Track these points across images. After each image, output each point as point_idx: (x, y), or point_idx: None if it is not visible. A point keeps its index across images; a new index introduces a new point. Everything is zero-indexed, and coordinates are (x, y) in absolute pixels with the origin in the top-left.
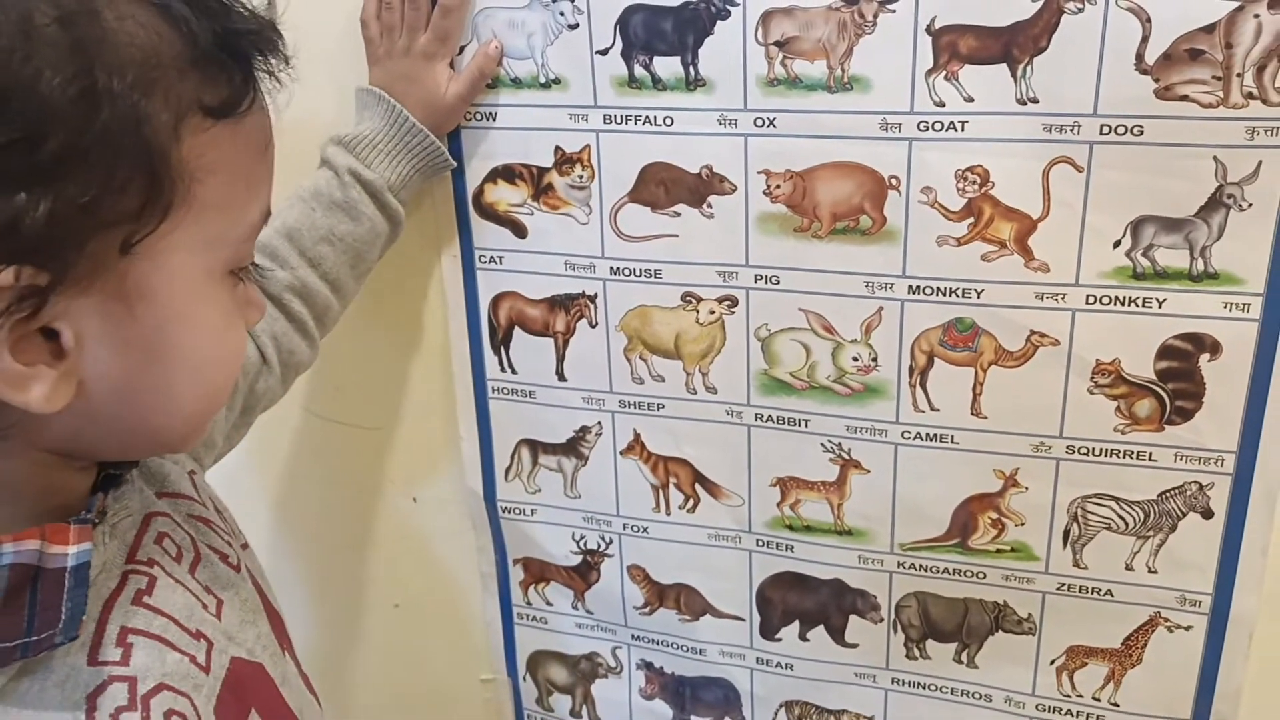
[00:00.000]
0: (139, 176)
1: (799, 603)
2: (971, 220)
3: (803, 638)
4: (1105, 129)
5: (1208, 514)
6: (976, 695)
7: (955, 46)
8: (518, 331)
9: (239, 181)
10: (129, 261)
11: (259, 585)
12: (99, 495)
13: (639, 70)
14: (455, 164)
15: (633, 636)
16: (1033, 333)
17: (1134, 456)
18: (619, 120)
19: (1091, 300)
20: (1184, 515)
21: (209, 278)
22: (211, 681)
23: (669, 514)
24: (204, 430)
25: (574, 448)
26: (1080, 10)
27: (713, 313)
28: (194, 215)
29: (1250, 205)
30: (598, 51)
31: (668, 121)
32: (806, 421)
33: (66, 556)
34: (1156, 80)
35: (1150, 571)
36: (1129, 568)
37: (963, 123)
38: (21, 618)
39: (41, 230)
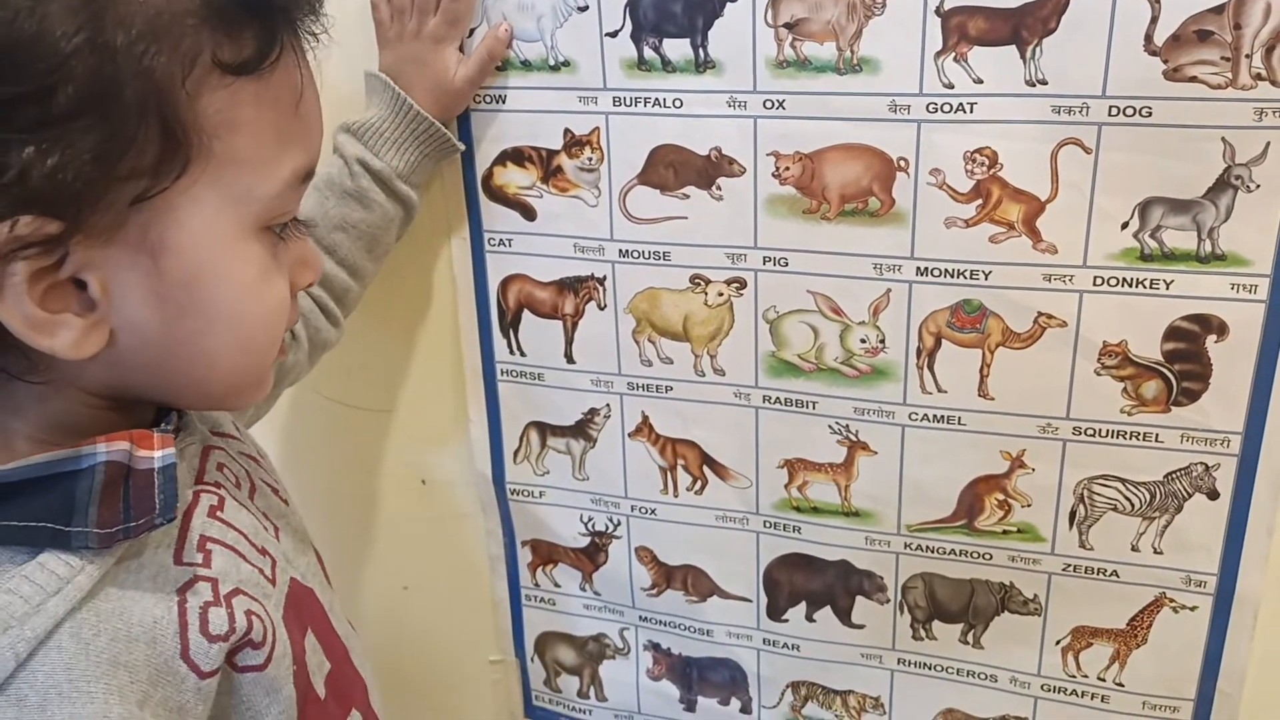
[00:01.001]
0: (152, 131)
1: (806, 584)
2: (980, 202)
3: (809, 619)
4: (1114, 110)
5: (1213, 495)
6: (982, 676)
7: (964, 28)
8: (526, 314)
9: (266, 137)
10: (149, 215)
11: (303, 523)
12: (173, 414)
13: (648, 52)
14: (463, 148)
15: (640, 618)
16: (1040, 314)
17: (1140, 438)
18: (628, 103)
19: (1099, 282)
20: (1190, 496)
21: (238, 233)
22: (277, 594)
23: (677, 496)
24: (258, 388)
25: (582, 430)
26: None
27: (721, 295)
28: (216, 170)
29: (1258, 186)
30: (607, 34)
31: (677, 104)
32: (814, 403)
33: (153, 459)
34: (1165, 61)
35: (1156, 552)
36: (1135, 548)
37: (971, 104)
38: (118, 509)
39: (48, 182)
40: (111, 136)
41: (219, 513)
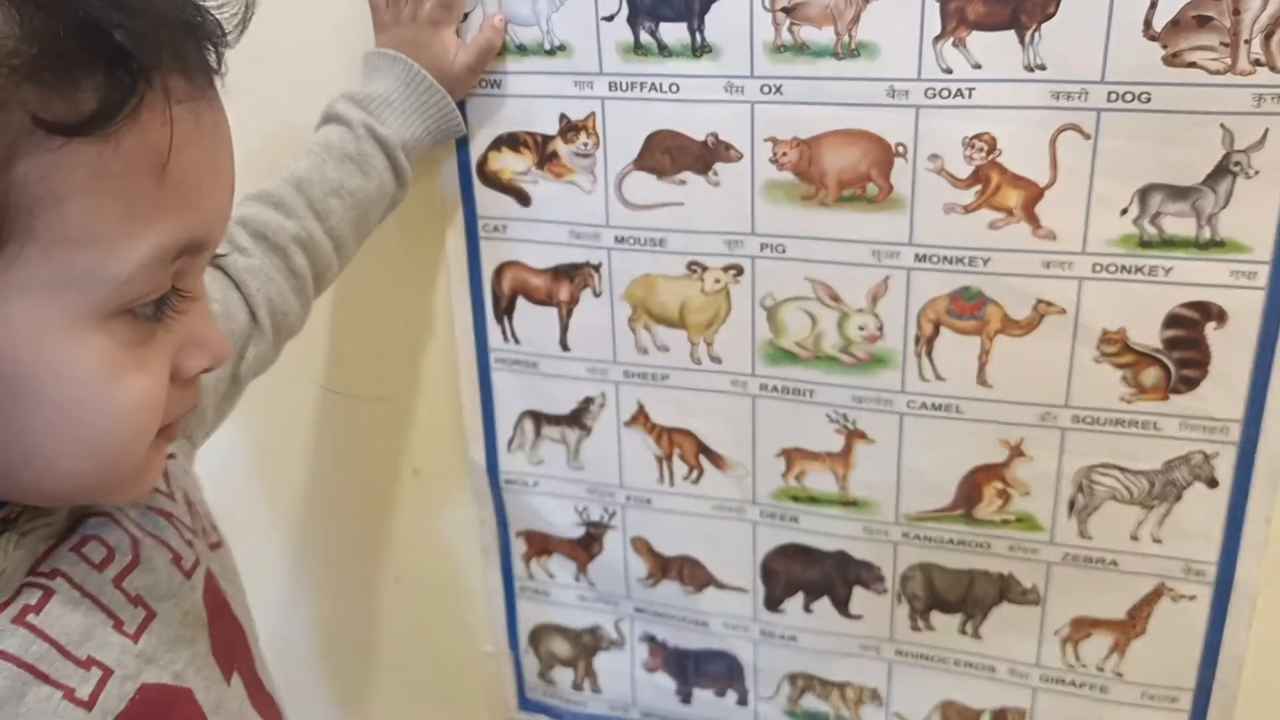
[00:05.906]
0: None
1: (803, 574)
2: (979, 188)
3: (807, 609)
4: (1113, 96)
5: (1212, 483)
6: (981, 666)
7: (963, 13)
8: (521, 301)
9: (110, 210)
10: None
11: (219, 593)
12: (9, 505)
13: (645, 37)
14: (465, 131)
15: (635, 609)
16: (1039, 301)
17: (1140, 426)
18: (624, 87)
19: (1098, 269)
20: (1189, 485)
21: (74, 322)
22: (96, 715)
23: (673, 485)
24: (135, 483)
25: (577, 419)
26: None
27: (718, 281)
28: (41, 251)
29: (1257, 173)
30: (603, 18)
31: (674, 88)
32: (812, 391)
33: None
34: (1164, 47)
35: (1155, 541)
36: (1134, 538)
37: (970, 90)
38: None
39: None
40: None
41: (29, 617)
